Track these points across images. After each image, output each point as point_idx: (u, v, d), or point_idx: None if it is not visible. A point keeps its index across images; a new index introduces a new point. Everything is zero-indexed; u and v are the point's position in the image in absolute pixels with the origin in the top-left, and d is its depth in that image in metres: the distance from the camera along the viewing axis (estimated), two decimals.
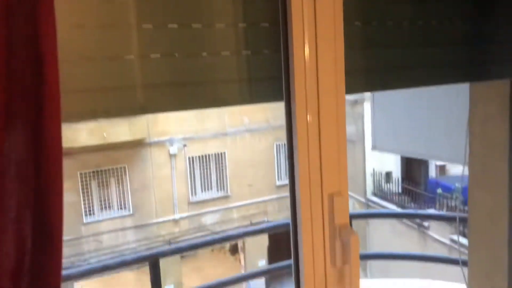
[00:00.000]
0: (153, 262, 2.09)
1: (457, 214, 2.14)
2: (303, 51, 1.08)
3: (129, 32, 1.01)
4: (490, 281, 1.85)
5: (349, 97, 13.43)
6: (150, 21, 1.03)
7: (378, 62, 1.32)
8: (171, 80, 1.07)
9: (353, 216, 2.78)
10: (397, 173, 14.68)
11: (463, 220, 2.20)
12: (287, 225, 2.44)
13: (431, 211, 10.94)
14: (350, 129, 13.75)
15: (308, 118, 1.10)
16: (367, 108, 12.83)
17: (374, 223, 12.50)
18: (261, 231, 2.50)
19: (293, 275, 1.21)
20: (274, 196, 14.76)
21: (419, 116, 2.27)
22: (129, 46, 1.01)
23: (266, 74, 1.16)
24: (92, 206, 12.51)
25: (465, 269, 1.98)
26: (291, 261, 2.36)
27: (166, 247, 2.15)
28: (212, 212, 13.89)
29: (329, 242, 1.13)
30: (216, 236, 2.02)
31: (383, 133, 2.57)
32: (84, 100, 0.98)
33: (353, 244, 1.06)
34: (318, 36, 1.09)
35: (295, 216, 1.16)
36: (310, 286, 1.15)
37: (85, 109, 0.99)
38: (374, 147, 2.69)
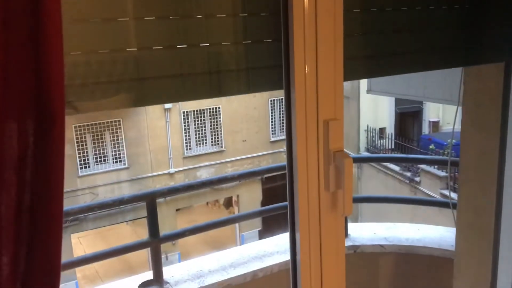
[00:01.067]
0: (149, 202, 2.13)
1: (448, 158, 2.17)
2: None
3: (129, 24, 1.00)
4: (479, 220, 1.91)
5: None
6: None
7: (375, 48, 1.33)
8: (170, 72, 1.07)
9: None
10: (390, 130, 14.78)
11: (455, 165, 2.24)
12: (282, 167, 2.48)
13: (423, 166, 11.07)
14: (344, 85, 13.68)
15: (306, 50, 1.10)
16: None
17: (366, 178, 12.68)
18: (257, 173, 2.53)
19: (288, 209, 1.24)
20: (269, 151, 14.87)
21: None
22: (129, 40, 1.01)
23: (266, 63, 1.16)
24: (87, 159, 12.57)
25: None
26: (285, 203, 2.41)
27: (162, 187, 2.18)
28: (206, 166, 14.01)
29: (323, 167, 1.15)
30: (213, 177, 2.04)
31: (378, 79, 2.57)
32: None
33: (347, 166, 1.09)
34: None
35: (290, 147, 1.18)
36: (304, 211, 1.18)
37: None
38: (369, 90, 2.69)
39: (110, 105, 1.02)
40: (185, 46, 1.07)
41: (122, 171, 12.99)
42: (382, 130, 14.48)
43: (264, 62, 1.16)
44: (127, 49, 1.02)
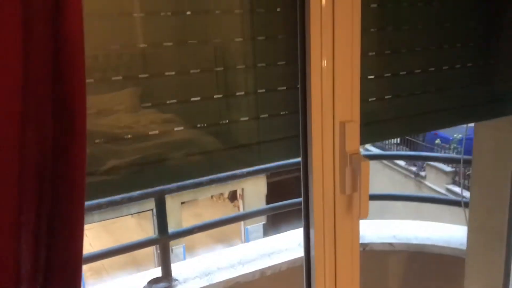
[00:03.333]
0: (158, 198, 2.11)
1: (461, 156, 2.15)
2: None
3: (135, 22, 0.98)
4: (491, 220, 1.89)
5: None
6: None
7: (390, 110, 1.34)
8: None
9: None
10: None
11: (465, 163, 2.22)
12: (295, 164, 2.45)
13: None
14: None
15: (322, 48, 1.08)
16: None
17: (371, 172, 12.63)
18: (268, 170, 2.52)
19: (302, 207, 1.23)
20: None
21: None
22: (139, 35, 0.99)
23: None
24: None
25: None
26: (295, 200, 2.39)
27: (171, 184, 2.17)
28: None
29: (339, 170, 1.13)
30: (221, 175, 2.04)
31: None
32: None
33: (364, 169, 1.07)
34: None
35: (305, 147, 1.16)
36: (319, 214, 1.16)
37: None
38: None
39: None
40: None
41: None
42: None
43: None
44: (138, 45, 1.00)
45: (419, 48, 1.34)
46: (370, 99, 1.27)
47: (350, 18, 1.10)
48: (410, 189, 11.48)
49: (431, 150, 12.60)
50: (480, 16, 1.43)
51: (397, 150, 13.56)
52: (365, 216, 1.12)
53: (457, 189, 9.87)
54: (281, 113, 1.15)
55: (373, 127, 1.29)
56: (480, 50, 1.46)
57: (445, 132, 13.29)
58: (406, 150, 13.55)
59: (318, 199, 1.15)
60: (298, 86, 1.14)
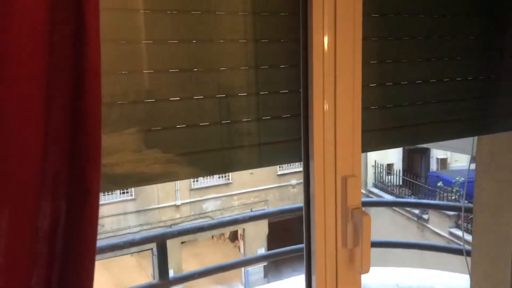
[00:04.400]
0: (160, 243, 2.12)
1: (462, 203, 2.15)
2: (322, 40, 1.10)
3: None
4: (495, 269, 1.88)
5: None
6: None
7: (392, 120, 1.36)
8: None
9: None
10: (398, 166, 14.71)
11: (466, 211, 2.23)
12: (297, 209, 2.46)
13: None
14: None
15: (325, 105, 1.12)
16: None
17: (373, 214, 12.53)
18: (269, 215, 2.53)
19: (304, 257, 1.24)
20: (275, 185, 14.81)
21: None
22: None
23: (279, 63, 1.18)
24: None
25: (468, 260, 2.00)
26: (296, 246, 2.38)
27: (173, 229, 2.17)
28: (213, 198, 13.96)
29: (341, 224, 1.15)
30: (223, 219, 2.03)
31: None
32: None
33: (365, 224, 1.08)
34: (337, 26, 1.11)
35: (308, 198, 1.18)
36: (321, 267, 1.17)
37: None
38: None
39: None
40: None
41: (128, 202, 12.96)
42: (389, 166, 14.42)
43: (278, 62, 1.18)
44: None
45: (420, 58, 1.35)
46: (371, 107, 1.29)
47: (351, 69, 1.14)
48: (412, 232, 11.35)
49: (433, 192, 12.55)
50: (482, 28, 1.46)
51: (399, 192, 13.51)
52: (367, 271, 1.12)
53: (460, 233, 9.76)
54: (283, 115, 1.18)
55: (371, 135, 1.30)
56: (481, 64, 1.48)
57: (448, 174, 13.28)
58: (408, 192, 13.50)
59: (320, 251, 1.16)
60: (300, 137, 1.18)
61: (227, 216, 13.05)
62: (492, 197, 1.83)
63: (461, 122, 1.47)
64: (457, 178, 12.02)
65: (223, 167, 1.14)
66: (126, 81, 1.00)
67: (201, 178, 13.87)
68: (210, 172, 1.15)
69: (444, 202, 10.49)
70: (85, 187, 0.67)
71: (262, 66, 1.13)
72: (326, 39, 1.10)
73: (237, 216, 2.18)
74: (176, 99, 1.06)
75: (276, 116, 1.16)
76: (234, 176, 14.21)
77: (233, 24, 1.09)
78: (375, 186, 14.12)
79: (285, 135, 1.18)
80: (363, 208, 1.16)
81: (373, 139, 1.30)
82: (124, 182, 1.03)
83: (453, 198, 11.82)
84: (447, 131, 1.46)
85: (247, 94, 1.13)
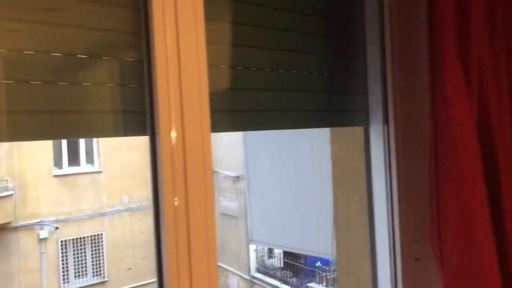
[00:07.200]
0: None
1: None
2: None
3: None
4: None
5: (231, 173, 13.71)
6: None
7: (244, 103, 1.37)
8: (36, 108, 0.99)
9: None
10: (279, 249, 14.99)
11: None
12: None
13: (312, 284, 11.22)
14: (233, 205, 13.90)
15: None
16: None
17: None
18: None
19: None
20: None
21: (292, 211, 2.39)
22: None
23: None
24: None
25: None
26: None
27: None
28: None
29: None
30: None
31: (259, 227, 2.65)
32: None
33: None
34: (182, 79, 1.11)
35: None
36: None
37: None
38: (251, 241, 2.74)
39: None
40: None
41: None
42: (271, 250, 14.61)
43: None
44: None
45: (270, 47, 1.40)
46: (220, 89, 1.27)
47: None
48: None
49: (313, 272, 12.89)
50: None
51: (281, 275, 13.64)
52: None
53: None
54: None
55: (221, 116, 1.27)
56: (328, 61, 1.58)
57: (326, 255, 13.80)
58: (290, 274, 13.69)
59: None
60: None
61: None
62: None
63: (308, 113, 1.54)
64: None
65: None
66: None
67: (73, 278, 12.69)
68: None
69: None
70: None
71: None
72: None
73: None
74: None
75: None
76: (111, 273, 13.22)
77: None
78: (258, 270, 14.11)
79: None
80: None
81: (223, 120, 1.29)
82: None
83: (331, 277, 12.22)
84: (297, 120, 1.52)
85: None
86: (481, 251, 1.33)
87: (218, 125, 1.22)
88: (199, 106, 1.11)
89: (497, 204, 1.44)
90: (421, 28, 1.57)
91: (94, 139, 12.96)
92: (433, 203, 1.46)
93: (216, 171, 15.03)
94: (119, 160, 13.30)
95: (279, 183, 2.77)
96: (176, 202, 1.10)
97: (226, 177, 14.06)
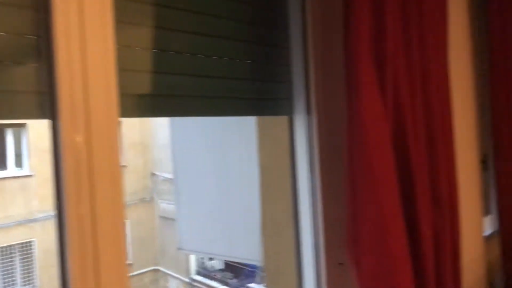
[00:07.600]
0: None
1: None
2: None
3: None
4: None
5: (170, 176, 13.48)
6: None
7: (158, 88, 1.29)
8: None
9: None
10: None
11: None
12: None
13: (252, 285, 11.24)
14: (171, 207, 13.66)
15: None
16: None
17: None
18: None
19: None
20: None
21: (220, 217, 2.37)
22: None
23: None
24: None
25: None
26: None
27: None
28: None
29: None
30: None
31: (188, 234, 2.59)
32: None
33: None
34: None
35: None
36: None
37: None
38: (180, 248, 2.68)
39: None
40: None
41: None
42: None
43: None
44: None
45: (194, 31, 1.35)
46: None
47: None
48: None
49: (253, 272, 12.94)
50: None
51: (222, 276, 13.58)
52: None
53: None
54: None
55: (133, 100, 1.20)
56: (249, 48, 1.55)
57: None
58: (230, 275, 13.66)
59: None
60: None
61: None
62: None
63: (231, 100, 1.51)
64: None
65: None
66: None
67: None
68: None
69: None
70: None
71: None
72: None
73: None
74: None
75: None
76: (43, 283, 12.58)
77: None
78: (199, 273, 13.97)
79: None
80: None
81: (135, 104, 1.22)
82: None
83: None
84: (219, 108, 1.48)
85: None
86: (395, 258, 1.36)
87: (128, 110, 1.16)
88: (106, 88, 1.04)
89: (411, 205, 1.47)
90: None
91: (24, 142, 12.34)
92: (350, 210, 1.46)
93: (155, 174, 14.76)
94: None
95: (206, 187, 2.74)
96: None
97: (165, 179, 13.83)
